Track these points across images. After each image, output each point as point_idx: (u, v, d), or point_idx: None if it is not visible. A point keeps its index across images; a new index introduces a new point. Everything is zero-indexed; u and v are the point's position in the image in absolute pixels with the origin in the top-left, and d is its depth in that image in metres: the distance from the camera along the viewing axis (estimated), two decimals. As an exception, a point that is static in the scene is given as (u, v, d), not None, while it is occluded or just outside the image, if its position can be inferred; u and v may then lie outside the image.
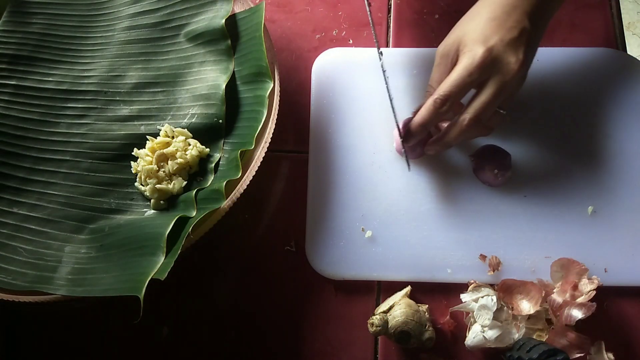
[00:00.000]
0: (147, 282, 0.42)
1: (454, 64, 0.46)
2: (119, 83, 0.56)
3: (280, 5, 0.63)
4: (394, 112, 0.50)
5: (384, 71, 0.49)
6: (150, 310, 0.45)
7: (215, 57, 0.54)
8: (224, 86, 0.52)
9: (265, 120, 0.49)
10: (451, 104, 0.45)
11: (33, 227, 0.50)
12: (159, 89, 0.55)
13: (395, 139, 0.53)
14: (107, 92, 0.56)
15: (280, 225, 0.54)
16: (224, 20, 0.54)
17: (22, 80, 0.57)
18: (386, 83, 0.49)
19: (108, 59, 0.57)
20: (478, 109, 0.45)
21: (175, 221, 0.45)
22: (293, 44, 0.61)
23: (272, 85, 0.51)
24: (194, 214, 0.47)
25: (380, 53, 0.50)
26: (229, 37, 0.54)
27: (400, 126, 0.51)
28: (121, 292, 0.42)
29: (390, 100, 0.49)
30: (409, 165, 0.52)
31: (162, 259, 0.43)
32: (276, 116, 0.50)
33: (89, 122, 0.55)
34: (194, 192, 0.49)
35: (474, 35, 0.45)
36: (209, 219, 0.46)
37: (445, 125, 0.50)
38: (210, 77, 0.54)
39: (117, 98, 0.55)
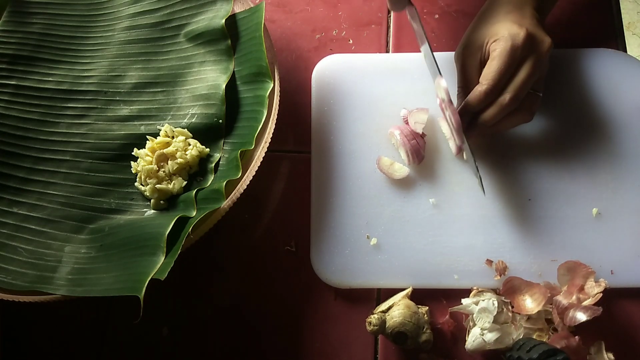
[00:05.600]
0: (147, 282, 0.42)
1: (483, 59, 0.48)
2: (119, 83, 0.56)
3: (280, 5, 0.63)
4: (451, 110, 0.48)
5: (437, 66, 0.49)
6: (150, 310, 0.45)
7: (215, 57, 0.54)
8: (224, 86, 0.52)
9: (265, 120, 0.49)
10: (500, 91, 0.47)
11: (33, 227, 0.50)
12: (159, 89, 0.55)
13: (452, 145, 0.53)
14: (107, 92, 0.56)
15: (280, 225, 0.54)
16: (224, 20, 0.54)
17: (22, 80, 0.57)
18: (442, 83, 0.48)
19: (108, 59, 0.57)
20: (518, 87, 0.46)
21: (175, 221, 0.45)
22: (293, 44, 0.61)
23: (272, 85, 0.51)
24: (194, 214, 0.47)
25: (426, 39, 0.50)
26: (229, 37, 0.54)
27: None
28: (121, 292, 0.42)
29: (449, 99, 0.48)
30: (474, 158, 0.49)
31: (162, 259, 0.43)
32: (276, 116, 0.49)
33: (89, 122, 0.55)
34: (194, 192, 0.49)
35: (502, 25, 0.47)
36: (209, 219, 0.46)
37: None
38: (210, 77, 0.54)
39: (117, 98, 0.55)
